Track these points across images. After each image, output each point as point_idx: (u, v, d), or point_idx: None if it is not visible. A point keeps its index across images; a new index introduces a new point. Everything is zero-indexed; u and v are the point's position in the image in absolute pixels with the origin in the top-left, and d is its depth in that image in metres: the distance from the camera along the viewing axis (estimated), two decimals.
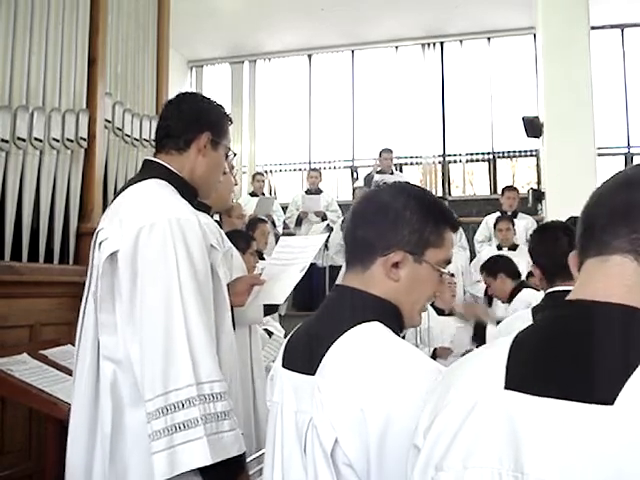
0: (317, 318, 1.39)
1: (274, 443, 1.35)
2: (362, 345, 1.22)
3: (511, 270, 4.42)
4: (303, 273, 2.28)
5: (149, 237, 1.73)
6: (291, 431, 1.29)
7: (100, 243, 1.82)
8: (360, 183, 8.73)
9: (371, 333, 1.24)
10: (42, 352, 2.96)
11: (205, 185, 2.07)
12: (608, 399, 0.76)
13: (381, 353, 1.20)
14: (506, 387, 0.85)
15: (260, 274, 2.42)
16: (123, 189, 1.95)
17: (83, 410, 1.81)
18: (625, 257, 0.86)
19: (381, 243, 1.29)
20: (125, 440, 1.74)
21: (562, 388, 0.80)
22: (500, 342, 0.93)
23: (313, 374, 1.24)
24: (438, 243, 1.32)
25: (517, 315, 3.04)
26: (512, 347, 0.89)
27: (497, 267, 4.42)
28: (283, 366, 1.39)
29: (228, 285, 2.22)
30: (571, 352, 0.82)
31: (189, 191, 1.99)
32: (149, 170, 1.98)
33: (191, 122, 2.01)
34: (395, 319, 1.31)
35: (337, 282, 1.41)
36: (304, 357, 1.30)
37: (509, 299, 4.33)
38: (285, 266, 2.35)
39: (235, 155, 2.23)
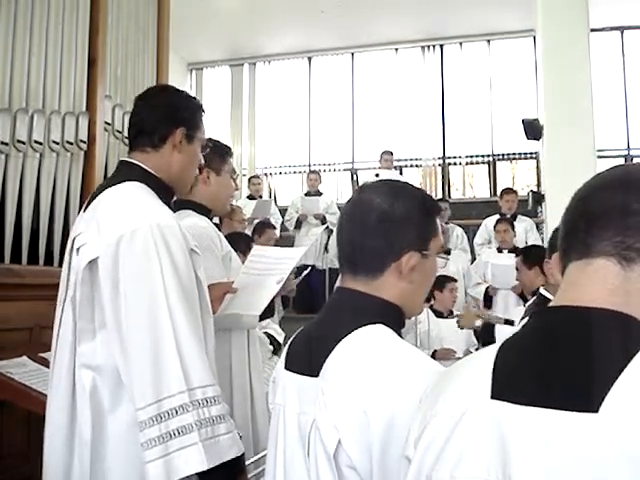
0: (319, 321, 1.39)
1: (276, 445, 1.35)
2: (365, 347, 1.22)
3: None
4: (280, 285, 2.25)
5: (130, 244, 1.70)
6: (294, 433, 1.29)
7: (78, 249, 1.79)
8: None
9: (374, 335, 1.24)
10: (42, 355, 2.95)
11: (181, 181, 2.04)
12: (593, 407, 0.75)
13: (384, 355, 1.20)
14: (492, 397, 0.85)
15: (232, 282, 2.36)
16: (99, 191, 1.90)
17: (60, 419, 1.78)
18: (609, 260, 0.85)
19: (391, 250, 1.29)
20: (106, 447, 1.72)
21: (547, 397, 0.79)
22: (486, 350, 0.93)
23: (316, 376, 1.24)
24: (435, 232, 1.35)
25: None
26: (497, 356, 0.89)
27: (535, 258, 4.30)
28: (285, 368, 1.39)
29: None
30: (555, 360, 0.82)
31: (166, 192, 1.96)
32: (125, 172, 1.94)
33: (164, 118, 1.97)
34: (397, 320, 1.32)
35: (338, 285, 1.39)
36: (306, 359, 1.30)
37: (534, 294, 4.29)
38: (260, 276, 2.31)
39: (207, 146, 2.18)
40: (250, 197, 8.66)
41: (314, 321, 1.42)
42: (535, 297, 3.55)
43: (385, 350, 1.21)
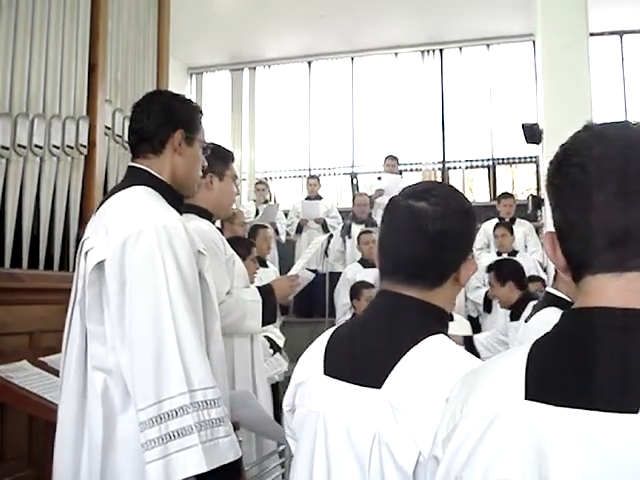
0: (365, 325, 1.35)
1: (313, 453, 1.29)
2: (438, 361, 1.19)
3: (520, 280, 4.32)
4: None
5: (136, 245, 1.71)
6: (340, 443, 1.24)
7: (86, 253, 1.81)
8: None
9: (443, 348, 1.22)
10: (42, 359, 2.95)
11: (187, 183, 2.05)
12: (633, 407, 0.74)
13: (461, 368, 1.15)
14: (527, 397, 0.83)
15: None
16: (108, 196, 1.93)
17: (70, 420, 1.80)
18: None
19: (453, 264, 1.30)
20: (116, 447, 1.73)
21: (585, 397, 0.78)
22: (517, 350, 0.91)
23: (374, 386, 1.21)
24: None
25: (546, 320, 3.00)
26: (530, 356, 0.87)
27: (506, 274, 4.32)
28: (326, 374, 1.33)
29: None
30: (591, 360, 0.80)
31: (175, 196, 1.98)
32: (134, 177, 1.96)
33: (162, 122, 1.98)
34: (447, 326, 1.32)
35: (384, 289, 1.34)
36: (360, 367, 1.26)
37: (513, 307, 4.29)
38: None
39: (208, 148, 2.19)
40: (254, 201, 8.66)
41: (356, 324, 1.39)
42: (543, 295, 3.55)
43: (460, 363, 1.18)
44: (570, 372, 0.81)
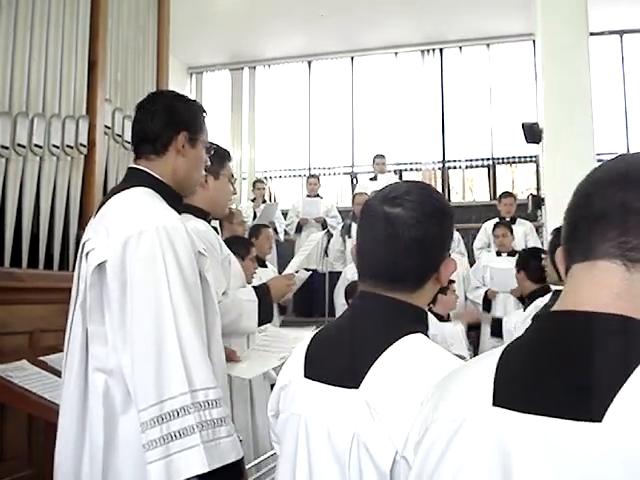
0: (345, 327, 1.34)
1: (295, 457, 1.28)
2: (415, 359, 1.19)
3: (533, 273, 4.24)
4: (282, 362, 2.35)
5: (137, 246, 1.71)
6: (322, 446, 1.23)
7: (87, 254, 1.80)
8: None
9: (420, 346, 1.22)
10: (41, 358, 2.96)
11: (188, 184, 2.06)
12: (597, 416, 0.73)
13: (438, 367, 1.15)
14: (494, 404, 0.83)
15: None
16: (108, 198, 1.93)
17: (71, 422, 1.80)
18: (613, 262, 0.82)
19: (433, 266, 1.29)
20: (118, 448, 1.73)
21: (551, 405, 0.77)
22: (489, 354, 0.91)
23: (352, 387, 1.20)
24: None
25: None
26: (500, 361, 0.87)
27: (521, 263, 4.27)
28: (306, 376, 1.33)
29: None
30: (558, 367, 0.80)
31: (174, 197, 1.98)
32: (133, 178, 1.96)
33: (166, 124, 1.97)
34: (426, 327, 1.31)
35: (364, 290, 1.33)
36: (339, 369, 1.25)
37: (525, 298, 4.28)
38: (266, 352, 2.60)
39: (212, 149, 2.19)
40: (253, 200, 8.66)
41: (336, 327, 1.39)
42: (551, 295, 3.53)
43: (437, 362, 1.18)
44: (536, 379, 0.81)
